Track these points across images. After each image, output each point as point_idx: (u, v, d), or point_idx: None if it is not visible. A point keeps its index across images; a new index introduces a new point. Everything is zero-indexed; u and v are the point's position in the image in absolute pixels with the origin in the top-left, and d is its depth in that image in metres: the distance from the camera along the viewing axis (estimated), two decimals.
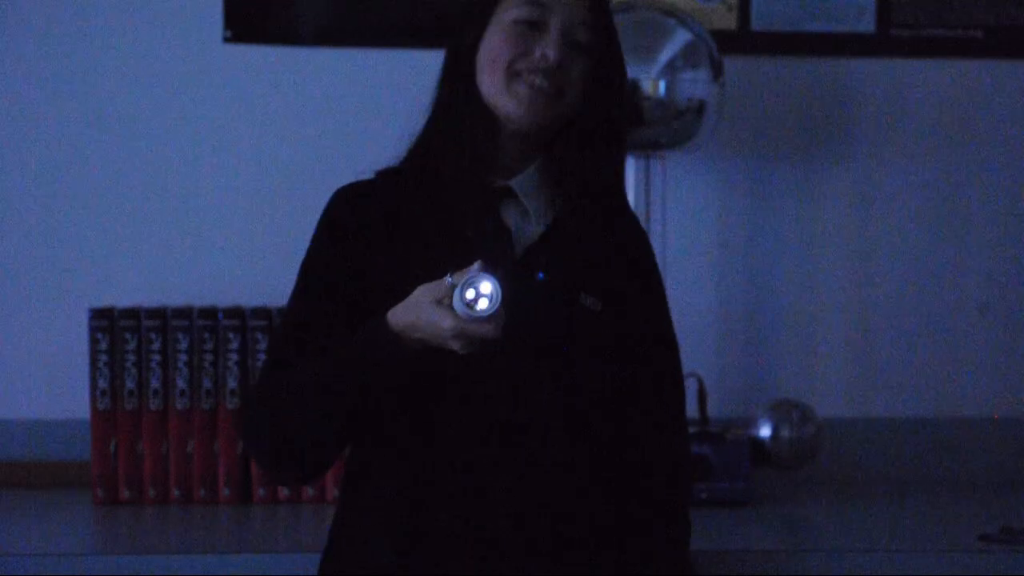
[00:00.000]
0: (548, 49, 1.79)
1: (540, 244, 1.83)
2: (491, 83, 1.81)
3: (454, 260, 1.71)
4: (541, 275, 1.80)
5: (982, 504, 2.53)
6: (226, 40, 2.72)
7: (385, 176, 1.88)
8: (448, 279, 1.67)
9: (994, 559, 2.16)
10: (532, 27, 1.81)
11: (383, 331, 1.71)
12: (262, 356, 2.50)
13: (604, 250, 1.85)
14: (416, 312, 1.68)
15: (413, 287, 1.72)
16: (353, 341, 1.74)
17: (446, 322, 1.65)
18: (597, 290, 1.82)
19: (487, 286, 1.65)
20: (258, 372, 1.86)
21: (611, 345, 1.82)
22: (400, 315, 1.70)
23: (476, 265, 1.66)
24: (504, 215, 1.84)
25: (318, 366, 1.76)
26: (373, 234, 1.83)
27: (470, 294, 1.65)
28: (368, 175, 1.91)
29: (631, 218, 1.92)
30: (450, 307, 1.66)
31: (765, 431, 2.55)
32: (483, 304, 1.64)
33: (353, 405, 1.74)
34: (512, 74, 1.80)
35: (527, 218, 1.85)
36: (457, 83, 1.85)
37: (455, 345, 1.68)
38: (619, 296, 1.84)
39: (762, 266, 2.79)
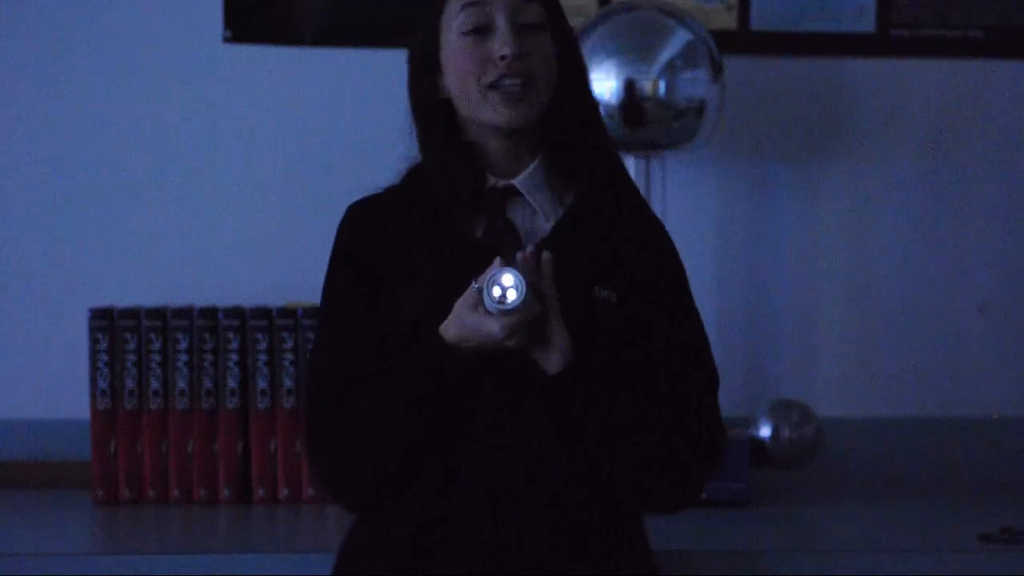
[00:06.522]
0: (503, 49, 1.79)
1: (550, 240, 1.83)
2: (466, 101, 1.82)
3: (467, 263, 1.76)
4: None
5: (982, 504, 2.53)
6: (226, 40, 2.72)
7: (392, 191, 1.89)
8: (474, 285, 1.72)
9: (994, 559, 2.16)
10: (481, 31, 1.81)
11: (440, 347, 1.75)
12: (263, 356, 2.51)
13: (617, 241, 1.85)
14: (462, 326, 1.74)
15: (432, 295, 1.78)
16: (412, 362, 1.77)
17: (493, 327, 1.71)
18: (612, 282, 1.82)
19: (509, 278, 1.70)
20: (309, 390, 1.87)
21: (630, 336, 1.81)
22: (449, 329, 1.75)
23: (496, 262, 1.71)
24: (511, 214, 1.85)
25: (384, 397, 1.79)
26: (387, 247, 1.85)
27: (496, 292, 1.70)
28: (370, 183, 1.91)
29: (644, 208, 1.92)
30: (489, 312, 1.71)
31: (765, 431, 2.55)
32: (512, 296, 1.70)
33: (426, 425, 1.78)
34: (483, 88, 1.80)
35: (535, 216, 1.85)
36: (429, 102, 1.85)
37: (510, 343, 1.73)
38: (637, 286, 1.83)
39: (762, 266, 2.79)
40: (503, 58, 1.79)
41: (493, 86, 1.80)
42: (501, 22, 1.80)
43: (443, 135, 1.85)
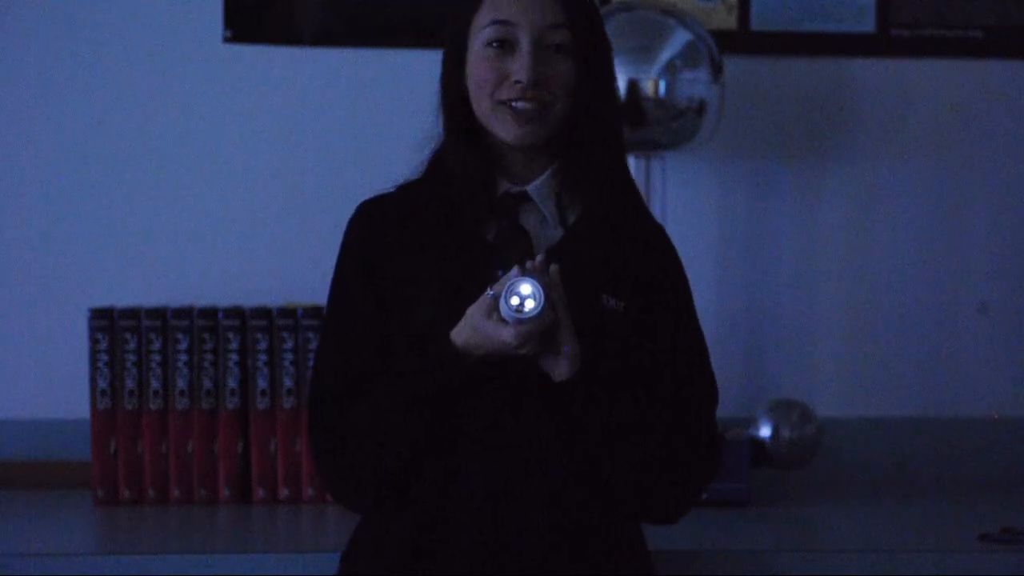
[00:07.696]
0: (519, 73, 1.79)
1: (560, 247, 1.83)
2: (480, 111, 1.83)
3: (477, 266, 1.77)
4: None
5: (982, 504, 2.53)
6: (226, 40, 2.72)
7: (405, 189, 1.89)
8: (489, 293, 1.72)
9: (994, 559, 2.16)
10: (504, 46, 1.81)
11: (449, 351, 1.75)
12: (263, 356, 2.51)
13: (625, 251, 1.85)
14: (474, 331, 1.73)
15: (441, 296, 1.78)
16: (418, 363, 1.77)
17: (506, 335, 1.71)
18: (620, 289, 1.82)
19: (527, 287, 1.69)
20: (312, 390, 1.88)
21: (636, 343, 1.82)
22: (461, 334, 1.75)
23: (513, 271, 1.71)
24: (523, 220, 1.85)
25: (386, 397, 1.79)
26: (398, 247, 1.85)
27: (515, 300, 1.69)
28: (370, 182, 1.91)
29: (648, 215, 1.92)
30: (503, 319, 1.71)
31: (765, 431, 2.55)
32: (530, 305, 1.70)
33: (427, 425, 1.78)
34: (495, 102, 1.81)
35: (546, 222, 1.86)
36: (454, 97, 1.85)
37: (523, 351, 1.73)
38: (643, 294, 1.84)
39: (762, 266, 2.79)
40: (518, 82, 1.79)
41: (505, 103, 1.80)
42: (525, 43, 1.80)
43: (464, 133, 1.85)
